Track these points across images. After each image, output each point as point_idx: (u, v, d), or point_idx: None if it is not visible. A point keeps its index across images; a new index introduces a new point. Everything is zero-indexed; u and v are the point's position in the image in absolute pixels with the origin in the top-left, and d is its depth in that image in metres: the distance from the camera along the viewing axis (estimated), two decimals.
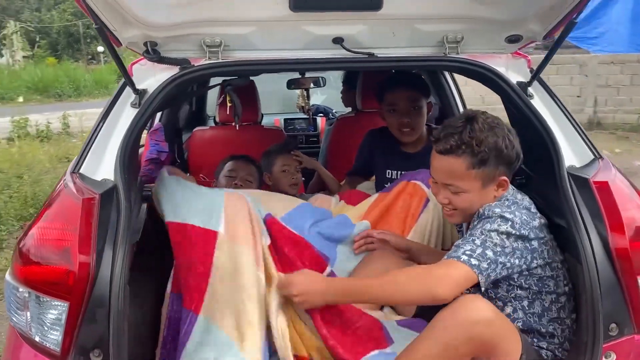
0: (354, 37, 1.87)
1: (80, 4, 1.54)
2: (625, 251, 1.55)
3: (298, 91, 4.57)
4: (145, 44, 1.79)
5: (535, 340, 1.69)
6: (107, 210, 1.54)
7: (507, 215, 1.59)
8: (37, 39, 26.31)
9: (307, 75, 4.20)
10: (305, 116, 4.45)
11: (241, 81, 2.14)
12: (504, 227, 1.57)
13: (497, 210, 1.61)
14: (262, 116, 3.40)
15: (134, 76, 1.86)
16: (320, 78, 4.51)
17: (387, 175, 2.62)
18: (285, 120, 4.42)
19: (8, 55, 23.05)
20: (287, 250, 1.96)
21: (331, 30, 1.85)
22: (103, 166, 1.71)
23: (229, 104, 2.23)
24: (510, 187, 1.73)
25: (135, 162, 1.90)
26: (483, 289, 1.58)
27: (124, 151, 1.69)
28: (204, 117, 4.48)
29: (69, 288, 1.41)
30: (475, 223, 1.64)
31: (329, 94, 5.21)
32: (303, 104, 4.47)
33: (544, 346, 1.69)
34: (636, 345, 1.56)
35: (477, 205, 1.68)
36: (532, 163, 1.95)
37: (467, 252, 1.55)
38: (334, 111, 4.78)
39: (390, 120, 2.56)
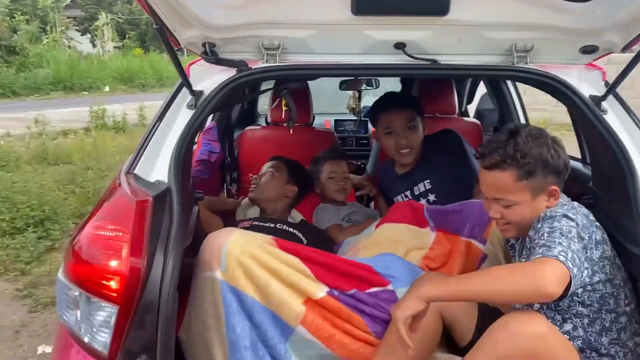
0: (417, 43, 1.80)
1: (142, 4, 1.52)
2: None
3: (350, 92, 4.50)
4: (203, 44, 1.77)
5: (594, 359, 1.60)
6: (160, 214, 1.52)
7: (571, 215, 1.56)
8: (127, 31, 27.03)
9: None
10: (355, 118, 4.38)
11: (297, 85, 2.09)
12: (572, 224, 1.53)
13: (560, 210, 1.59)
14: (314, 117, 3.36)
15: (191, 77, 1.84)
16: (373, 79, 4.43)
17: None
18: (336, 121, 4.36)
19: (99, 46, 23.75)
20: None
21: (393, 35, 1.79)
22: (157, 167, 1.69)
23: (284, 108, 2.19)
24: (564, 195, 1.69)
25: (189, 164, 1.89)
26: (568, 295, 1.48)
27: (179, 153, 1.68)
28: (255, 115, 4.48)
29: (119, 291, 1.39)
30: (539, 226, 1.59)
31: None
32: (354, 106, 4.40)
33: None
34: None
35: (531, 217, 1.64)
36: (603, 183, 1.83)
37: (562, 253, 1.45)
38: None
39: (387, 142, 2.51)
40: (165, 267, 1.43)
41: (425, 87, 3.04)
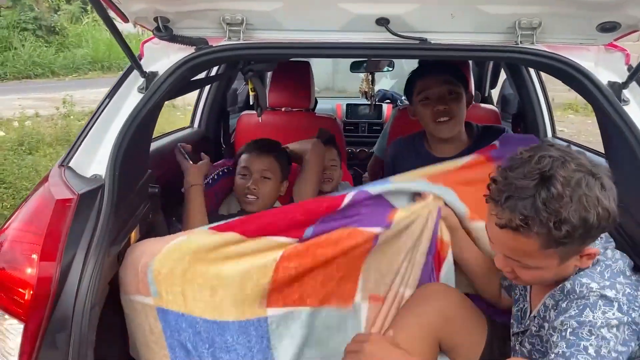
0: (403, 19, 1.54)
1: None
2: None
3: (362, 75, 4.22)
4: (155, 19, 1.55)
5: None
6: (86, 215, 1.32)
7: (609, 293, 1.18)
8: None
9: None
10: (369, 102, 4.10)
11: (265, 66, 1.85)
12: (612, 316, 1.16)
13: (594, 286, 1.20)
14: (316, 102, 3.11)
15: (144, 56, 1.64)
16: (391, 60, 4.13)
17: None
18: (348, 105, 4.11)
19: (139, 26, 23.96)
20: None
21: (374, 9, 1.53)
22: (97, 159, 1.50)
23: (251, 93, 1.95)
24: (602, 239, 1.31)
25: (141, 155, 1.68)
26: None
27: (121, 143, 1.47)
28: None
29: (25, 305, 1.20)
30: (564, 305, 1.23)
31: (399, 79, 4.80)
32: (367, 89, 4.11)
33: None
34: None
35: (551, 279, 1.29)
36: (621, 187, 1.53)
37: None
38: (402, 98, 4.39)
39: (424, 112, 2.16)
40: (82, 278, 1.23)
41: None
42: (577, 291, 1.21)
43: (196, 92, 3.01)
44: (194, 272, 1.51)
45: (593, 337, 1.15)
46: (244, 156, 2.18)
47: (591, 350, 1.14)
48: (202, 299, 1.51)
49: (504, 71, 3.29)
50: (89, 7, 20.41)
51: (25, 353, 1.21)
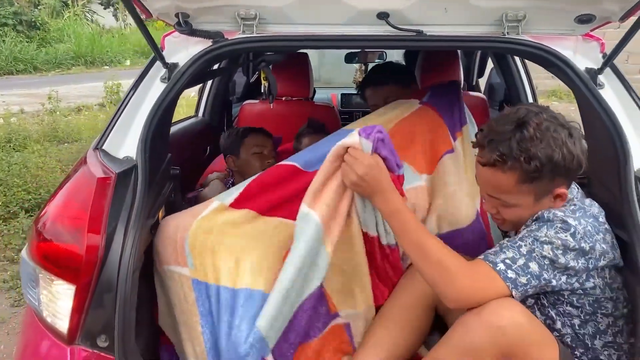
0: (401, 13, 1.70)
1: None
2: None
3: (356, 65, 4.37)
4: (176, 15, 1.69)
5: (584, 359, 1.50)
6: (123, 192, 1.47)
7: (571, 220, 1.39)
8: None
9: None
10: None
11: (276, 57, 2.00)
12: (563, 236, 1.37)
13: (560, 213, 1.41)
14: (315, 91, 3.27)
15: (165, 49, 1.78)
16: (383, 52, 4.30)
17: None
18: (342, 95, 4.26)
19: (121, 19, 23.65)
20: None
21: (376, 4, 1.68)
22: (127, 143, 1.65)
23: (263, 82, 2.10)
24: (578, 190, 1.54)
25: (164, 140, 1.83)
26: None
27: (149, 128, 1.62)
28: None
29: (76, 271, 1.36)
30: (530, 226, 1.45)
31: None
32: (360, 79, 4.27)
33: None
34: None
35: (529, 218, 1.48)
36: (597, 162, 1.72)
37: (507, 261, 1.38)
38: None
39: None
40: (124, 247, 1.38)
41: (428, 60, 2.91)
42: (545, 217, 1.42)
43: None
44: (221, 245, 1.64)
45: (533, 245, 1.38)
46: (259, 139, 2.42)
47: (523, 250, 1.38)
48: (228, 269, 1.63)
49: (491, 60, 3.47)
50: (69, 1, 20.24)
51: (77, 312, 1.37)
